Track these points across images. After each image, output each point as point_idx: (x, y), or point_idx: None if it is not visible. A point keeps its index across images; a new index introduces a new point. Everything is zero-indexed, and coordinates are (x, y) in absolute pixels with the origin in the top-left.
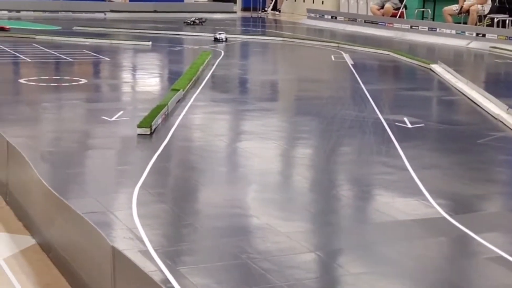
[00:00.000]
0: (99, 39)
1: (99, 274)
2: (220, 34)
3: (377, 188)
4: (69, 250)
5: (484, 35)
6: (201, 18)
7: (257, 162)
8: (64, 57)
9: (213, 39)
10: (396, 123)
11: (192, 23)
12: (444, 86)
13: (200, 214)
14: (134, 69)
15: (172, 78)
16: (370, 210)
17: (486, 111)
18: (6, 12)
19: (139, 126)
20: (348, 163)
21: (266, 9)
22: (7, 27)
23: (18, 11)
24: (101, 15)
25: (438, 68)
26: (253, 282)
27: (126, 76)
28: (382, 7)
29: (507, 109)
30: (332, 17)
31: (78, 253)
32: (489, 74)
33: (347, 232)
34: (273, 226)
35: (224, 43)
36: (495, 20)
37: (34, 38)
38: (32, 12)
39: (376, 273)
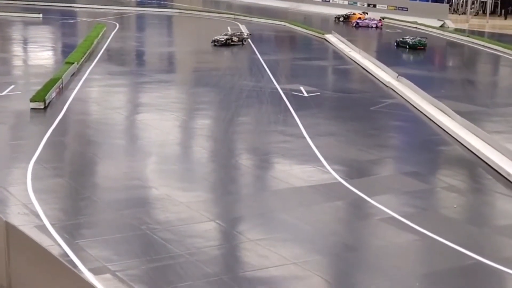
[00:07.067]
0: None
1: None
2: None
3: (275, 156)
4: None
5: (375, 6)
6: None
7: (155, 134)
8: None
9: None
10: (293, 92)
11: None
12: (338, 56)
13: (98, 187)
14: (24, 42)
15: (66, 51)
16: (268, 178)
17: (378, 79)
18: None
19: (32, 100)
20: (247, 132)
21: None
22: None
23: None
24: None
25: (332, 38)
26: (154, 253)
27: (16, 49)
28: None
29: (397, 77)
30: None
31: None
32: (380, 43)
33: (247, 200)
34: (173, 196)
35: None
36: None
37: None
38: None
39: (275, 238)
